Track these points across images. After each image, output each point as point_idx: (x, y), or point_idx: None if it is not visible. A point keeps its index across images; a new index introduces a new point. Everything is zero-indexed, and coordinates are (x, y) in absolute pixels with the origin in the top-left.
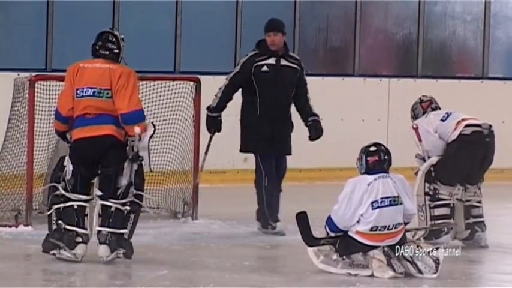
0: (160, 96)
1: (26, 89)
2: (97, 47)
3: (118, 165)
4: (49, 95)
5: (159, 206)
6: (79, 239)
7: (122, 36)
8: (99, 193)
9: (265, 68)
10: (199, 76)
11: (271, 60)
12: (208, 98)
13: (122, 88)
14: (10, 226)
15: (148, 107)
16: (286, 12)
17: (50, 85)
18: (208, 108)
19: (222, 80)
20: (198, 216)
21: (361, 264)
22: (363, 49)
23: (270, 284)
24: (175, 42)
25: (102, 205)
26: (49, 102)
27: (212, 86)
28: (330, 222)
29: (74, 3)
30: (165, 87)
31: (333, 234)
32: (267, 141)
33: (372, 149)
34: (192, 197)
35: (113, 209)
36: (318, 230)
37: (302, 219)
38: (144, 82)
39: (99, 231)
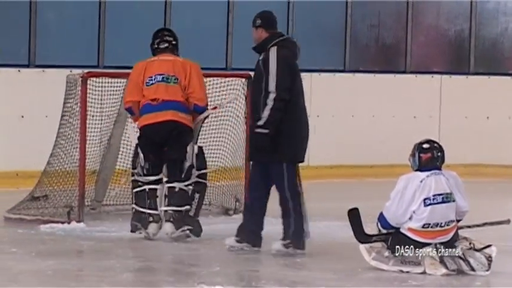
0: (212, 92)
1: (78, 86)
2: (155, 45)
3: (182, 149)
4: (101, 91)
5: (211, 203)
6: (151, 219)
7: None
8: (166, 178)
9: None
10: (250, 72)
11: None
12: None
13: (196, 80)
14: (63, 222)
15: None
16: (338, 10)
17: (102, 82)
18: None
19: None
20: None
21: (413, 261)
22: (415, 46)
23: (322, 281)
24: (227, 39)
25: (169, 187)
26: (101, 99)
27: None
28: (382, 219)
29: (126, 1)
30: (216, 84)
31: (384, 231)
32: (252, 146)
33: (425, 146)
34: (244, 193)
35: (177, 189)
36: (370, 227)
37: (354, 215)
38: None
39: (165, 211)
